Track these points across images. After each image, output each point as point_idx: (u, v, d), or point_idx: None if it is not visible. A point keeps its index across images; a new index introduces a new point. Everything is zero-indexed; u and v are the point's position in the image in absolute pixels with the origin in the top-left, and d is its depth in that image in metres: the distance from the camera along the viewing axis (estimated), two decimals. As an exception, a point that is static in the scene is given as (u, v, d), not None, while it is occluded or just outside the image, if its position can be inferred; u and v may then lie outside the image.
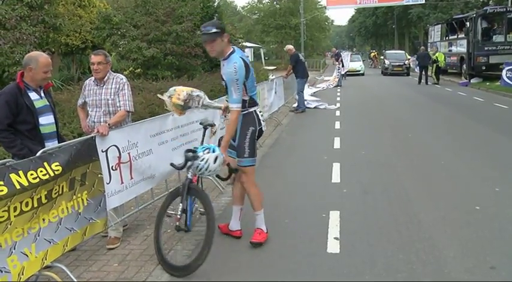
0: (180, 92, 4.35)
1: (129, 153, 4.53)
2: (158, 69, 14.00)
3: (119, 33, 14.31)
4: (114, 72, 4.91)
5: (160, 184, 5.41)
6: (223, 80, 4.25)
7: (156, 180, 5.05)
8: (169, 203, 4.18)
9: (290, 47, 14.42)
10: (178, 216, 4.04)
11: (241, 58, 4.19)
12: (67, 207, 3.61)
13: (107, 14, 14.64)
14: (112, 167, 4.30)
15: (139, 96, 10.17)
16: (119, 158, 4.39)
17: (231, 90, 4.13)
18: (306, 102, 14.70)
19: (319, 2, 54.73)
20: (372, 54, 53.48)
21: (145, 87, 11.39)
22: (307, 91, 16.48)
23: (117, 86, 4.68)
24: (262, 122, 4.46)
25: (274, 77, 15.03)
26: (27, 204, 3.16)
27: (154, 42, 13.84)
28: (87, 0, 17.55)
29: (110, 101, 4.66)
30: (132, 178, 4.58)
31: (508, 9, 23.21)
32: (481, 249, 4.16)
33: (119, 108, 4.65)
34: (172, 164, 4.32)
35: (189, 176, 4.09)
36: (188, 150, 4.19)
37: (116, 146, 4.35)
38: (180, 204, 4.03)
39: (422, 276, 3.71)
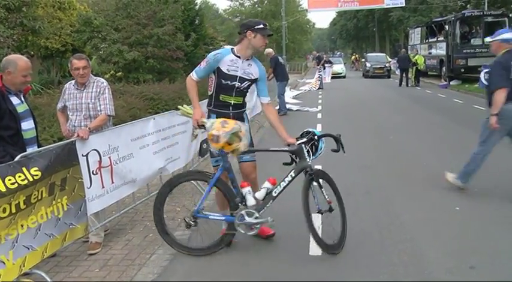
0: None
1: (109, 158, 4.49)
2: (139, 72, 13.95)
3: (100, 36, 14.23)
4: (95, 75, 4.88)
5: (141, 188, 5.36)
6: (248, 79, 4.32)
7: (137, 184, 5.02)
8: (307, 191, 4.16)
9: (269, 50, 14.43)
10: (329, 199, 4.19)
11: None
12: (46, 213, 3.57)
13: (88, 17, 14.56)
14: (93, 171, 4.26)
15: (121, 99, 10.10)
16: (100, 162, 4.35)
17: (264, 86, 4.46)
18: (287, 105, 14.75)
19: (301, 4, 55.13)
20: (353, 57, 53.92)
21: (126, 91, 11.32)
22: (289, 94, 16.56)
23: (98, 90, 4.65)
24: None
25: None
26: (4, 210, 3.12)
27: (135, 46, 13.79)
28: (67, 3, 17.40)
29: (90, 105, 4.62)
30: (113, 182, 4.55)
31: (485, 13, 23.65)
32: (461, 249, 4.21)
33: (99, 112, 4.61)
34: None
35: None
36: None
37: (96, 150, 4.31)
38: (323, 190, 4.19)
39: (404, 277, 3.74)
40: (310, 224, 4.07)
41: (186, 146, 6.17)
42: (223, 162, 4.16)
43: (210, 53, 4.33)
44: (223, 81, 4.23)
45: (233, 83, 4.27)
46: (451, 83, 22.96)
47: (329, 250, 4.14)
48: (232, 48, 4.33)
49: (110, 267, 4.14)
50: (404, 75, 24.23)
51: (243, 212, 4.11)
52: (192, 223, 4.22)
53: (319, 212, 4.24)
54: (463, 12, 25.78)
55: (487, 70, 18.18)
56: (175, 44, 14.59)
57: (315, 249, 4.29)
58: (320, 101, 17.73)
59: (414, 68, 24.24)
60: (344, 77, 33.89)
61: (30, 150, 3.96)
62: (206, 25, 19.57)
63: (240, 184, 4.27)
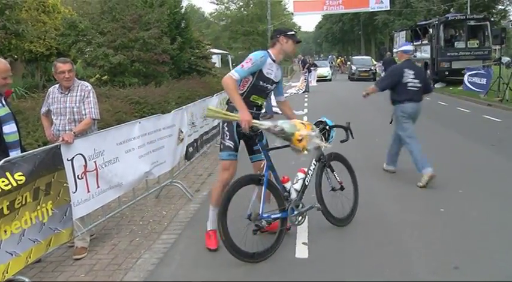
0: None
1: (95, 162, 4.47)
2: (125, 76, 13.86)
3: (85, 39, 14.11)
4: (80, 79, 4.86)
5: (127, 192, 5.34)
6: (275, 82, 4.54)
7: (123, 188, 4.99)
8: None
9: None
10: (340, 180, 4.86)
11: None
12: (31, 218, 3.54)
13: (72, 21, 14.43)
14: (78, 175, 4.24)
15: (106, 103, 10.05)
16: (85, 166, 4.33)
17: (281, 86, 4.81)
18: (274, 108, 14.73)
19: (287, 8, 55.22)
20: (338, 60, 54.17)
21: (112, 95, 11.26)
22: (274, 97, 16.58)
23: (83, 94, 4.64)
24: None
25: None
26: (-12, 216, 3.09)
27: (121, 49, 13.70)
28: (51, 6, 17.22)
29: (75, 109, 4.60)
30: (98, 187, 4.53)
31: (468, 17, 23.96)
32: (445, 250, 4.26)
33: (84, 116, 4.60)
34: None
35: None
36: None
37: (81, 154, 4.29)
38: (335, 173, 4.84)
39: (390, 278, 3.77)
40: (323, 206, 4.66)
41: (172, 149, 6.16)
42: (268, 161, 4.36)
43: (255, 55, 4.33)
44: (260, 83, 4.37)
45: (267, 85, 4.45)
46: (436, 85, 23.17)
47: (337, 222, 4.82)
48: (268, 52, 4.46)
49: (96, 272, 4.12)
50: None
51: (292, 205, 4.41)
52: (260, 227, 4.23)
53: (333, 189, 4.80)
54: (446, 16, 26.08)
55: (471, 73, 18.79)
56: (161, 47, 14.52)
57: (301, 252, 4.31)
58: (306, 104, 17.79)
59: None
60: (330, 80, 34.05)
61: (13, 154, 3.91)
62: (192, 29, 19.48)
63: (281, 180, 4.51)
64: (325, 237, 4.65)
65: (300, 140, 4.27)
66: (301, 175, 4.64)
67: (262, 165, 4.42)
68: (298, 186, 4.57)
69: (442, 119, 12.79)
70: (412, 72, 6.64)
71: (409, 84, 6.59)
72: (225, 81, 4.20)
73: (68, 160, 4.10)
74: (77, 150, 4.24)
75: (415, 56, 26.82)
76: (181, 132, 6.52)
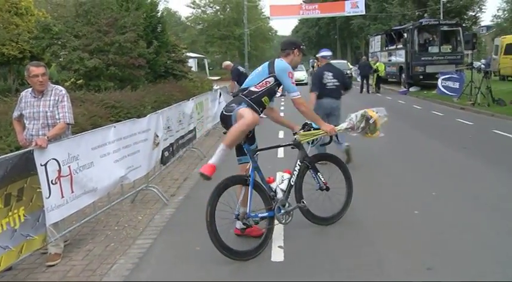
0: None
1: (69, 167, 4.43)
2: (101, 80, 13.70)
3: (59, 43, 13.91)
4: (54, 83, 4.81)
5: (102, 197, 5.29)
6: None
7: (98, 193, 4.95)
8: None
9: (227, 63, 14.37)
10: (325, 181, 4.95)
11: None
12: (1, 225, 3.48)
13: (46, 23, 14.24)
14: (52, 181, 4.18)
15: (81, 107, 9.93)
16: (59, 171, 4.28)
17: None
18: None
19: (263, 12, 55.50)
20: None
21: (87, 99, 11.12)
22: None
23: (56, 98, 4.59)
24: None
25: (218, 87, 15.05)
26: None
27: (96, 53, 13.55)
28: (24, 9, 16.96)
29: (48, 113, 4.56)
30: (73, 192, 4.48)
31: (441, 23, 24.46)
32: (419, 251, 4.32)
33: (58, 121, 4.55)
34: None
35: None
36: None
37: (55, 159, 4.24)
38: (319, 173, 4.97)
39: (365, 279, 3.82)
40: (299, 205, 4.81)
41: (148, 154, 6.13)
42: (253, 162, 4.50)
43: (289, 67, 4.65)
44: (275, 88, 4.65)
45: (276, 91, 4.75)
46: (410, 89, 23.56)
47: (321, 222, 4.99)
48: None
49: (69, 279, 4.07)
50: (365, 82, 24.67)
51: (278, 204, 4.56)
52: (248, 225, 4.42)
53: (320, 189, 4.96)
54: (420, 21, 26.57)
55: (444, 77, 19.19)
56: (137, 51, 14.40)
57: (277, 256, 4.33)
58: (282, 108, 17.83)
59: (375, 74, 24.73)
60: (306, 84, 34.16)
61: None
62: (168, 32, 19.37)
63: (267, 180, 4.70)
64: (301, 241, 4.68)
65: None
66: (286, 175, 4.78)
67: (248, 167, 4.53)
68: (284, 186, 4.71)
69: (416, 123, 13.00)
70: (331, 73, 7.80)
71: (328, 84, 7.73)
72: (302, 105, 4.71)
73: (41, 165, 4.04)
74: (51, 155, 4.19)
75: (390, 60, 27.26)
76: (157, 136, 6.49)
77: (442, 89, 19.02)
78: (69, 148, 4.46)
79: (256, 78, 4.59)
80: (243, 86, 4.68)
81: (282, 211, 4.60)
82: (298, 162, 4.86)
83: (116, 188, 5.60)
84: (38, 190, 3.93)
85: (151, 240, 4.89)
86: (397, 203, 5.82)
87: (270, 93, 4.62)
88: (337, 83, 7.77)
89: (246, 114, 4.22)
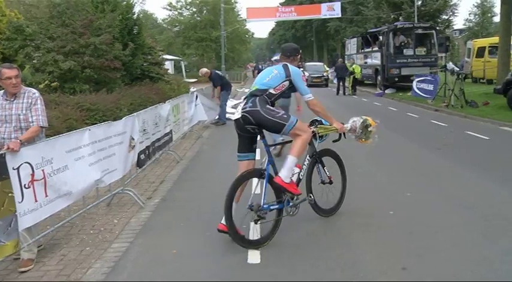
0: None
1: (43, 170, 4.35)
2: (76, 82, 13.49)
3: (33, 44, 13.66)
4: (28, 85, 4.74)
5: (78, 201, 5.22)
6: None
7: (73, 197, 4.87)
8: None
9: (204, 70, 14.33)
10: (329, 175, 5.35)
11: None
12: (-28, 230, 3.41)
13: (19, 25, 13.97)
14: (24, 185, 4.09)
15: (56, 110, 9.80)
16: (32, 175, 4.20)
17: None
18: (227, 115, 14.84)
19: (240, 15, 55.52)
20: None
21: (62, 101, 10.98)
22: (228, 103, 16.63)
23: (29, 101, 4.53)
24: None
25: (195, 89, 15.01)
26: None
27: (71, 55, 13.34)
28: (-5, 9, 16.61)
29: (21, 116, 4.49)
30: (47, 196, 4.39)
31: (415, 26, 24.87)
32: (394, 251, 4.39)
33: (31, 124, 4.49)
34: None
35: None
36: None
37: (28, 162, 4.16)
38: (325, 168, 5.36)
39: (341, 279, 3.86)
40: (308, 198, 5.10)
41: (123, 157, 6.08)
42: (269, 156, 4.85)
43: (300, 71, 5.05)
44: (287, 90, 4.96)
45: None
46: (386, 91, 23.85)
47: (323, 213, 5.30)
48: None
49: (43, 284, 4.01)
50: (341, 84, 24.89)
51: (287, 197, 4.78)
52: (261, 217, 4.57)
53: (322, 182, 5.31)
54: (395, 23, 26.92)
55: (419, 79, 19.64)
56: (113, 53, 14.22)
57: (253, 258, 4.34)
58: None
59: (351, 76, 24.98)
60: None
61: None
62: (145, 35, 19.15)
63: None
64: (277, 242, 4.69)
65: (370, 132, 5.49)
66: (296, 170, 4.91)
67: (252, 165, 4.86)
68: (295, 179, 4.89)
69: (392, 124, 13.15)
70: None
71: None
72: (316, 105, 5.02)
73: (13, 169, 3.97)
74: (24, 158, 4.11)
75: (366, 62, 27.57)
76: (133, 139, 6.44)
77: (417, 91, 19.31)
78: (42, 151, 4.39)
79: (274, 81, 4.80)
80: (259, 85, 4.84)
81: (291, 204, 4.83)
82: (308, 157, 5.14)
83: (91, 192, 5.53)
84: (10, 194, 3.85)
85: (128, 243, 4.84)
86: (372, 203, 5.89)
87: (283, 94, 4.99)
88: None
89: (304, 127, 4.82)
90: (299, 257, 4.36)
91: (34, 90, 4.68)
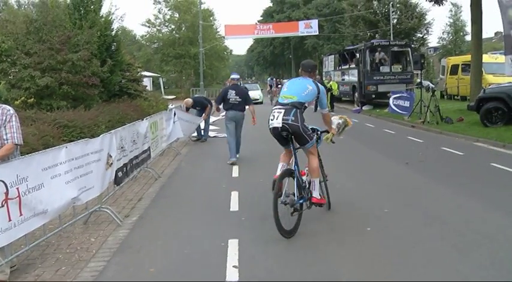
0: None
1: (17, 188, 4.28)
2: (53, 99, 13.35)
3: (9, 60, 13.51)
4: (3, 102, 4.69)
5: (53, 219, 5.14)
6: None
7: (49, 215, 4.80)
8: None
9: (190, 101, 14.57)
10: (326, 174, 6.41)
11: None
12: None
13: (-6, 40, 13.82)
14: (-2, 203, 4.03)
15: (32, 127, 9.69)
16: (6, 193, 4.13)
17: None
18: (210, 133, 14.91)
19: (218, 32, 55.82)
20: (274, 82, 55.13)
21: (38, 118, 10.85)
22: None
23: (4, 118, 4.47)
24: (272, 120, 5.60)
25: (173, 106, 15.01)
26: None
27: (48, 71, 13.22)
28: (-31, 25, 16.39)
29: (-5, 134, 4.42)
30: (21, 215, 4.33)
31: (391, 43, 25.34)
32: (371, 266, 4.43)
33: (5, 141, 4.42)
34: None
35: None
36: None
37: (2, 181, 4.10)
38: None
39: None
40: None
41: (101, 174, 6.03)
42: (295, 158, 5.67)
43: (324, 89, 6.09)
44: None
45: None
46: (364, 108, 24.14)
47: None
48: None
49: (17, 305, 3.93)
50: (318, 100, 25.07)
51: (307, 195, 5.66)
52: (296, 209, 5.41)
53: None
54: (371, 41, 27.41)
55: (395, 96, 20.03)
56: (91, 70, 14.15)
57: (231, 276, 4.33)
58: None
59: (329, 93, 25.21)
60: (261, 103, 34.46)
61: None
62: (123, 51, 19.12)
63: (301, 173, 5.69)
64: (256, 260, 4.70)
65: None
66: (317, 183, 5.79)
67: (290, 152, 5.77)
68: (306, 179, 5.78)
69: (369, 141, 13.33)
70: (234, 91, 10.36)
71: (231, 100, 10.28)
72: (328, 116, 6.26)
73: (-13, 188, 3.91)
74: (-2, 176, 4.05)
75: (343, 79, 27.92)
76: (110, 156, 6.40)
77: (394, 107, 19.59)
78: (17, 169, 4.33)
79: (310, 97, 5.69)
80: (299, 98, 5.57)
81: (306, 198, 5.61)
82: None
83: (68, 210, 5.46)
84: (-16, 213, 3.78)
85: (105, 262, 4.79)
86: (350, 220, 5.93)
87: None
88: (239, 99, 10.30)
89: (315, 149, 5.85)
90: (277, 274, 4.36)
91: (8, 107, 4.62)
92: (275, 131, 5.54)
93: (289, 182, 5.46)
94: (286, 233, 5.20)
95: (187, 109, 14.37)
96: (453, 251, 4.77)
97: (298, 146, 5.71)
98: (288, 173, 5.54)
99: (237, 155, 10.42)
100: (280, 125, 5.40)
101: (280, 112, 5.45)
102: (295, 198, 5.32)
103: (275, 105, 5.68)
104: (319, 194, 5.73)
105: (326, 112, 6.16)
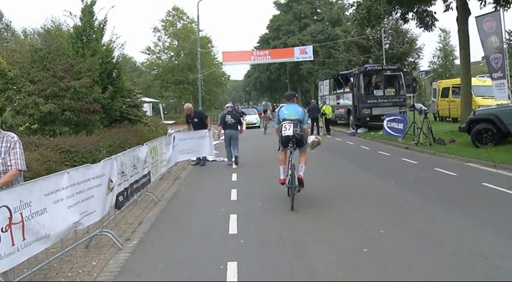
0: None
1: (21, 213, 4.38)
2: (56, 124, 13.55)
3: (14, 88, 13.76)
4: (8, 128, 4.83)
5: (56, 244, 5.24)
6: None
7: (51, 239, 4.90)
8: None
9: (189, 106, 15.23)
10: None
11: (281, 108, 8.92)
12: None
13: (1, 69, 14.06)
14: (2, 228, 4.11)
15: (36, 152, 9.84)
16: (10, 218, 4.22)
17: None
18: (209, 157, 15.10)
19: (216, 58, 56.38)
20: (269, 108, 55.39)
21: (42, 144, 11.01)
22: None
23: (8, 145, 4.62)
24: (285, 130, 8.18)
25: (173, 131, 15.21)
26: None
27: (51, 98, 13.45)
28: (-22, 55, 16.65)
29: (0, 160, 4.56)
30: (24, 239, 4.41)
31: (384, 68, 25.75)
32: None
33: (10, 168, 4.56)
34: None
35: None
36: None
37: (6, 206, 4.19)
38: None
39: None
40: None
41: (102, 199, 6.15)
42: (291, 154, 8.25)
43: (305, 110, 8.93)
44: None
45: None
46: (358, 130, 24.37)
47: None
48: None
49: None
50: (315, 124, 25.28)
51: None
52: (299, 190, 8.23)
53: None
54: (365, 66, 27.78)
55: (389, 118, 20.54)
56: (93, 96, 14.40)
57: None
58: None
59: (323, 117, 25.49)
60: (259, 127, 34.56)
61: None
62: (123, 78, 19.39)
63: (299, 176, 8.07)
64: (249, 268, 4.76)
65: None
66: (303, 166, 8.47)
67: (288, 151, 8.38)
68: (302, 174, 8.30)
69: (364, 163, 13.46)
70: (230, 115, 14.28)
71: (228, 122, 14.18)
72: (308, 130, 9.26)
73: (-9, 213, 4.00)
74: (2, 202, 4.15)
75: (338, 103, 28.19)
76: (111, 181, 6.53)
77: (388, 130, 19.81)
78: (21, 195, 4.44)
79: (302, 115, 8.36)
80: (299, 117, 8.30)
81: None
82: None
83: (70, 234, 5.57)
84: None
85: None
86: (347, 241, 5.99)
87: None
88: (233, 121, 14.18)
89: (306, 151, 8.70)
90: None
91: (13, 135, 4.78)
92: (287, 138, 8.08)
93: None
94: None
95: (188, 115, 14.99)
96: (449, 271, 4.82)
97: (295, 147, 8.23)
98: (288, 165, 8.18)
99: (236, 154, 14.10)
100: (292, 134, 8.04)
101: (291, 125, 8.08)
102: (296, 182, 7.92)
103: (283, 121, 8.20)
104: (303, 174, 8.20)
105: (306, 127, 8.77)
